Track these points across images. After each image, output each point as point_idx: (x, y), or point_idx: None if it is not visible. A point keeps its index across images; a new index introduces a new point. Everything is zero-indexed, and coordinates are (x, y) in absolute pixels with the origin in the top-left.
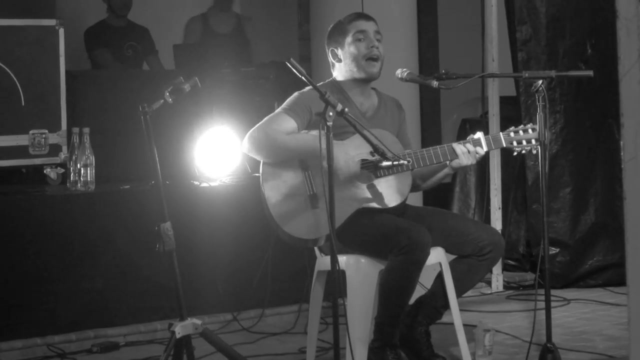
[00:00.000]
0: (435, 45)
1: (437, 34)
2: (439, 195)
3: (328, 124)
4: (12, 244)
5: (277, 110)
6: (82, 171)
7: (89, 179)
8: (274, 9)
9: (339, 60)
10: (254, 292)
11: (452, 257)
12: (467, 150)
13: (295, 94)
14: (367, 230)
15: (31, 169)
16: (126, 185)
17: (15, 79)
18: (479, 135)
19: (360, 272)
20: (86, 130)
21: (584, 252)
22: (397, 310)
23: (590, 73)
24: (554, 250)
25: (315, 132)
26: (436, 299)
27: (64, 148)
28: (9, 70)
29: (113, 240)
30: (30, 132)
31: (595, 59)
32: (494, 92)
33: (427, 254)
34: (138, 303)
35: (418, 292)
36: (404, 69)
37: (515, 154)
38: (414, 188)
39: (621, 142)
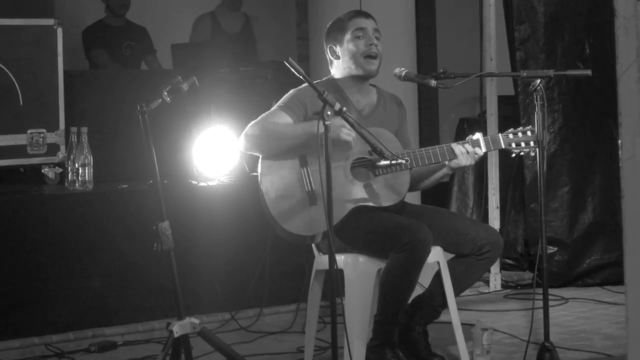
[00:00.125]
0: (434, 44)
1: (436, 33)
2: (437, 194)
3: (326, 123)
4: (10, 243)
5: (272, 108)
6: (80, 171)
7: (87, 179)
8: (272, 8)
9: (337, 58)
10: (252, 291)
11: (450, 256)
12: (466, 151)
13: (291, 91)
14: (367, 228)
15: (29, 168)
16: (124, 184)
17: (13, 78)
18: (478, 136)
19: (359, 271)
20: (84, 129)
21: (582, 251)
22: (396, 308)
23: (589, 72)
24: (552, 250)
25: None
26: (434, 298)
27: (62, 147)
28: (7, 70)
29: (111, 240)
30: (29, 131)
31: (593, 58)
32: (492, 91)
33: (428, 252)
34: (136, 302)
35: (416, 291)
36: (402, 68)
37: (513, 155)
38: (412, 187)
39: (619, 141)
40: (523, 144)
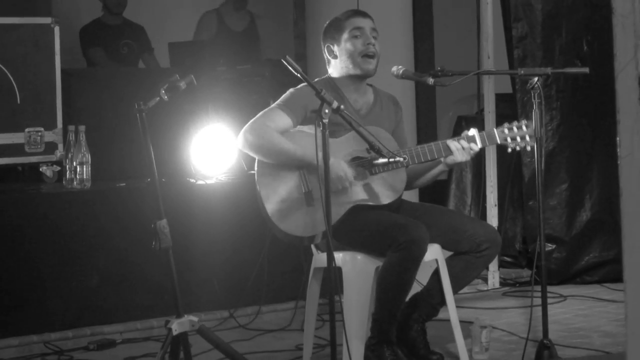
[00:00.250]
0: (431, 42)
1: (433, 31)
2: (435, 192)
3: (323, 121)
4: (8, 241)
5: (271, 106)
6: (78, 169)
7: (84, 177)
8: (269, 6)
9: (335, 57)
10: (250, 289)
11: (449, 254)
12: (462, 147)
13: (291, 90)
14: (363, 227)
15: (27, 167)
16: (122, 183)
17: (10, 77)
18: (473, 131)
19: (357, 269)
20: (82, 128)
21: (581, 249)
22: (394, 306)
23: (586, 70)
24: (550, 247)
25: (309, 129)
26: (432, 296)
27: (60, 146)
28: (4, 69)
29: (109, 238)
30: (26, 130)
31: (591, 56)
32: (490, 89)
33: (424, 250)
34: (134, 300)
35: (414, 289)
36: (400, 66)
37: (509, 150)
38: (409, 185)
39: (617, 139)
40: (519, 139)
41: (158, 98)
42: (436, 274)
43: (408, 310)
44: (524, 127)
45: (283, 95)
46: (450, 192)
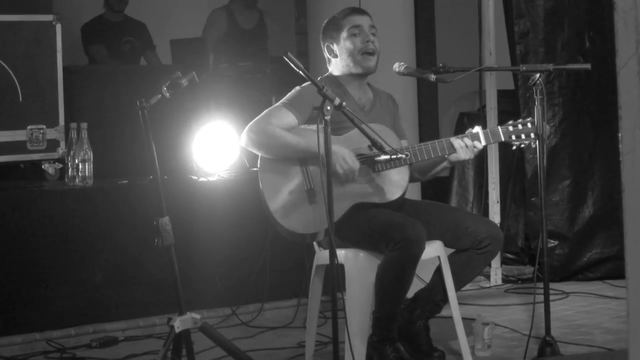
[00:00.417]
0: (433, 39)
1: (435, 28)
2: (437, 189)
3: (326, 117)
4: (11, 239)
5: (276, 104)
6: (80, 166)
7: (87, 174)
8: (271, 4)
9: (335, 56)
10: (252, 287)
11: (451, 251)
12: (465, 145)
13: (297, 88)
14: (362, 226)
15: (29, 164)
16: (124, 180)
17: (12, 74)
18: (477, 129)
19: (359, 266)
20: (84, 125)
21: (583, 245)
22: (394, 304)
23: (588, 66)
24: (552, 243)
25: (313, 127)
26: (435, 293)
27: (62, 143)
28: (6, 66)
29: (111, 236)
30: (28, 127)
31: (593, 52)
32: (492, 85)
33: (422, 249)
34: (137, 298)
35: (417, 286)
36: (402, 63)
37: (513, 147)
38: (412, 180)
39: (619, 135)
40: (523, 136)
41: (160, 95)
42: (438, 271)
43: (411, 307)
44: (528, 124)
45: (288, 94)
46: (452, 189)
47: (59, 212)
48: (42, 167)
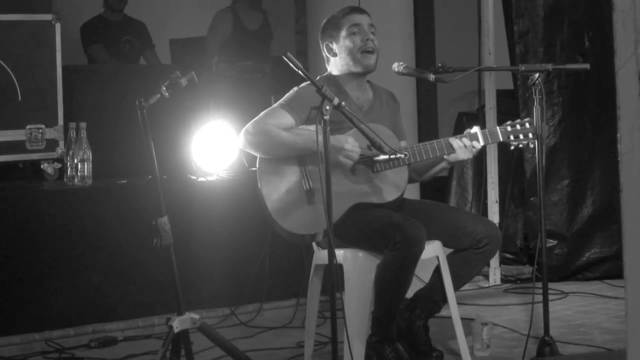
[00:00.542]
0: (432, 38)
1: (434, 28)
2: (436, 188)
3: (325, 117)
4: (10, 239)
5: (274, 105)
6: (79, 166)
7: (86, 174)
8: (270, 2)
9: (334, 55)
10: (251, 287)
11: (450, 250)
12: (464, 145)
13: (295, 89)
14: (362, 226)
15: (28, 164)
16: (123, 180)
17: (12, 74)
18: (475, 129)
19: (358, 266)
20: (83, 125)
21: (582, 245)
22: (393, 304)
23: (587, 66)
24: (551, 243)
25: (312, 127)
26: (434, 293)
27: (61, 143)
28: (5, 66)
29: (110, 235)
30: (27, 127)
31: (593, 51)
32: (491, 85)
33: (421, 249)
34: (136, 298)
35: (416, 286)
36: (401, 63)
37: (512, 148)
38: (410, 181)
39: (618, 135)
40: (521, 136)
41: (159, 95)
42: (437, 271)
43: (410, 307)
44: (527, 124)
45: (287, 94)
46: (451, 188)
47: (58, 212)
48: (41, 166)
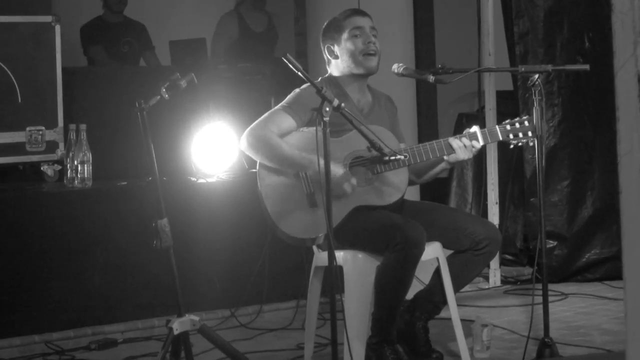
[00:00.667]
0: (432, 39)
1: (434, 29)
2: (436, 190)
3: (324, 119)
4: (9, 241)
5: (276, 108)
6: (79, 168)
7: (86, 176)
8: (270, 3)
9: (336, 57)
10: (251, 288)
11: (449, 252)
12: (464, 145)
13: (296, 90)
14: (362, 228)
15: (28, 165)
16: (123, 181)
17: (11, 75)
18: (474, 129)
19: (358, 268)
20: (83, 126)
21: (582, 246)
22: (393, 306)
23: (587, 67)
24: (551, 244)
25: (310, 130)
26: (434, 295)
27: (61, 145)
28: (5, 67)
29: (110, 237)
30: (27, 128)
31: (593, 52)
32: (491, 86)
33: (421, 250)
34: (136, 300)
35: (416, 288)
36: (401, 64)
37: (511, 146)
38: (411, 183)
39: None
40: (521, 135)
41: (159, 96)
42: (437, 272)
43: (410, 309)
44: (525, 123)
45: (288, 96)
46: (451, 189)
47: (58, 214)
48: (41, 168)
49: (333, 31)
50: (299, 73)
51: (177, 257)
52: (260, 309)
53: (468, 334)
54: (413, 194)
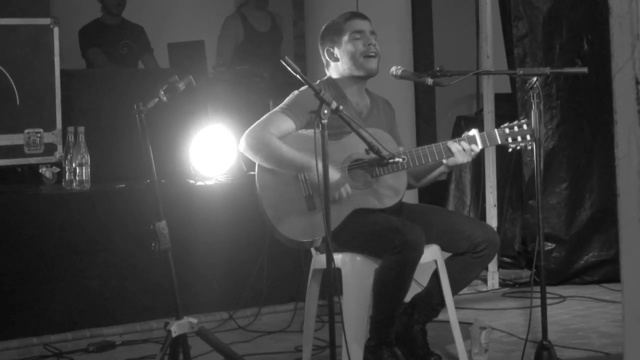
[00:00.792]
0: (430, 42)
1: (432, 31)
2: (434, 192)
3: (323, 121)
4: (8, 243)
5: (275, 110)
6: (77, 170)
7: (84, 178)
8: (269, 6)
9: (336, 59)
10: (250, 291)
11: (448, 254)
12: (463, 148)
13: (295, 92)
14: (361, 230)
15: (26, 168)
16: (121, 184)
17: (10, 78)
18: (473, 132)
19: (356, 270)
20: (81, 129)
21: (580, 248)
22: (392, 308)
23: (585, 70)
24: (549, 246)
25: (309, 132)
26: (432, 297)
27: (59, 147)
28: (3, 70)
29: (109, 240)
30: (26, 131)
31: (591, 55)
32: (489, 89)
33: (420, 253)
34: (134, 302)
35: (414, 290)
36: (399, 67)
37: (510, 150)
38: (409, 186)
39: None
40: (519, 138)
41: (157, 99)
42: (436, 275)
43: (408, 312)
44: (524, 126)
45: (287, 98)
46: (449, 192)
47: (56, 216)
48: (40, 171)
49: (333, 34)
50: (298, 76)
51: (175, 260)
52: (258, 312)
53: (466, 336)
54: (411, 197)
